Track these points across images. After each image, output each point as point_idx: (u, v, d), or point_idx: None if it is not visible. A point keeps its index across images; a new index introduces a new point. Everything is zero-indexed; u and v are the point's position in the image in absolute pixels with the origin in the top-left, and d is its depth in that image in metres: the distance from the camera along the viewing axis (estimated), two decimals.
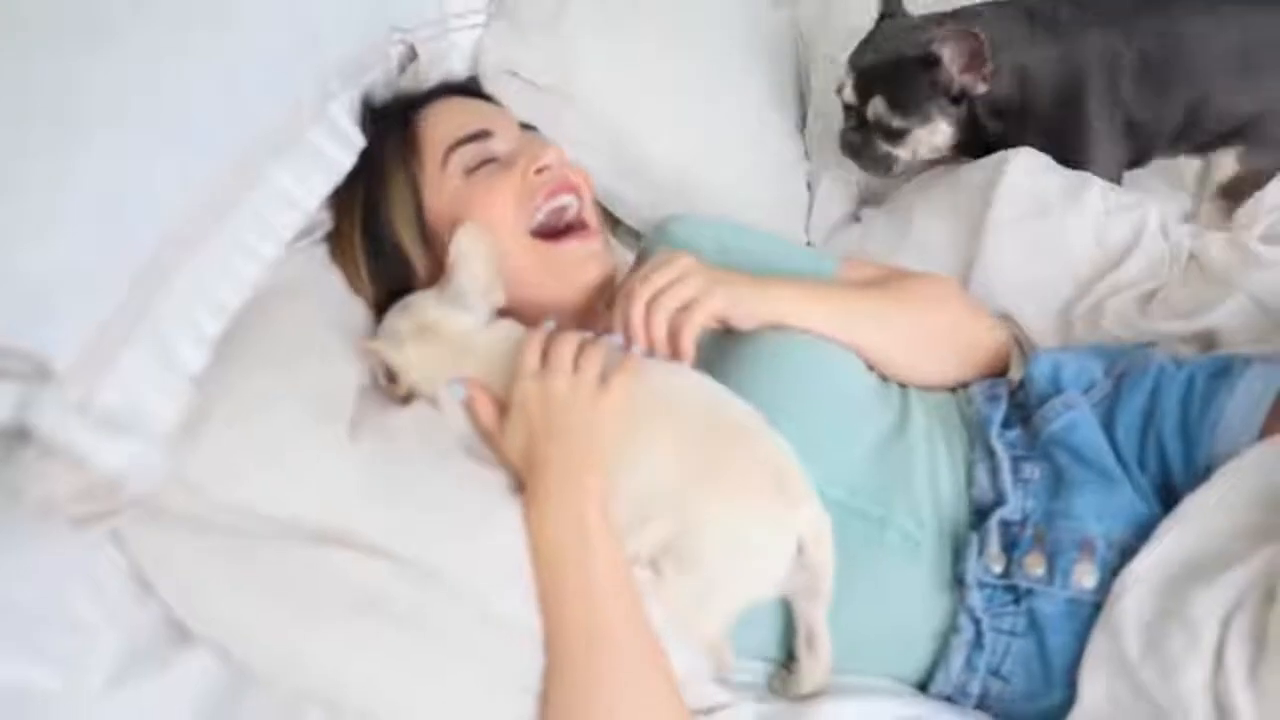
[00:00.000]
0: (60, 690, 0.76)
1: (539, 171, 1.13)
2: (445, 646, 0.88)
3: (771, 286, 1.08)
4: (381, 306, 1.08)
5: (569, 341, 0.96)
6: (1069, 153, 1.42)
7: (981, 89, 1.37)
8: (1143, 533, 0.97)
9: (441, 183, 1.14)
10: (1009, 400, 1.12)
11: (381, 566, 0.86)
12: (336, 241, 1.14)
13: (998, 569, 0.99)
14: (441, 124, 1.18)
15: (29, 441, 0.71)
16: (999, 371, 1.23)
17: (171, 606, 0.85)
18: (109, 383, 0.74)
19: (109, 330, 0.74)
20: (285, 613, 0.85)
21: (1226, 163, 1.45)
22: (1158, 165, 1.51)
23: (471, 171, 1.14)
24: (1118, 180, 1.46)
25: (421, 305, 1.03)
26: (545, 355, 0.96)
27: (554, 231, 1.15)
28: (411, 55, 1.32)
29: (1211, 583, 0.88)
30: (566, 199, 1.15)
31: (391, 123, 1.17)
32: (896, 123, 1.41)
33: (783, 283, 1.10)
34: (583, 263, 1.14)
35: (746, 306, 1.05)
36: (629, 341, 1.00)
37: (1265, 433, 0.99)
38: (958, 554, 1.01)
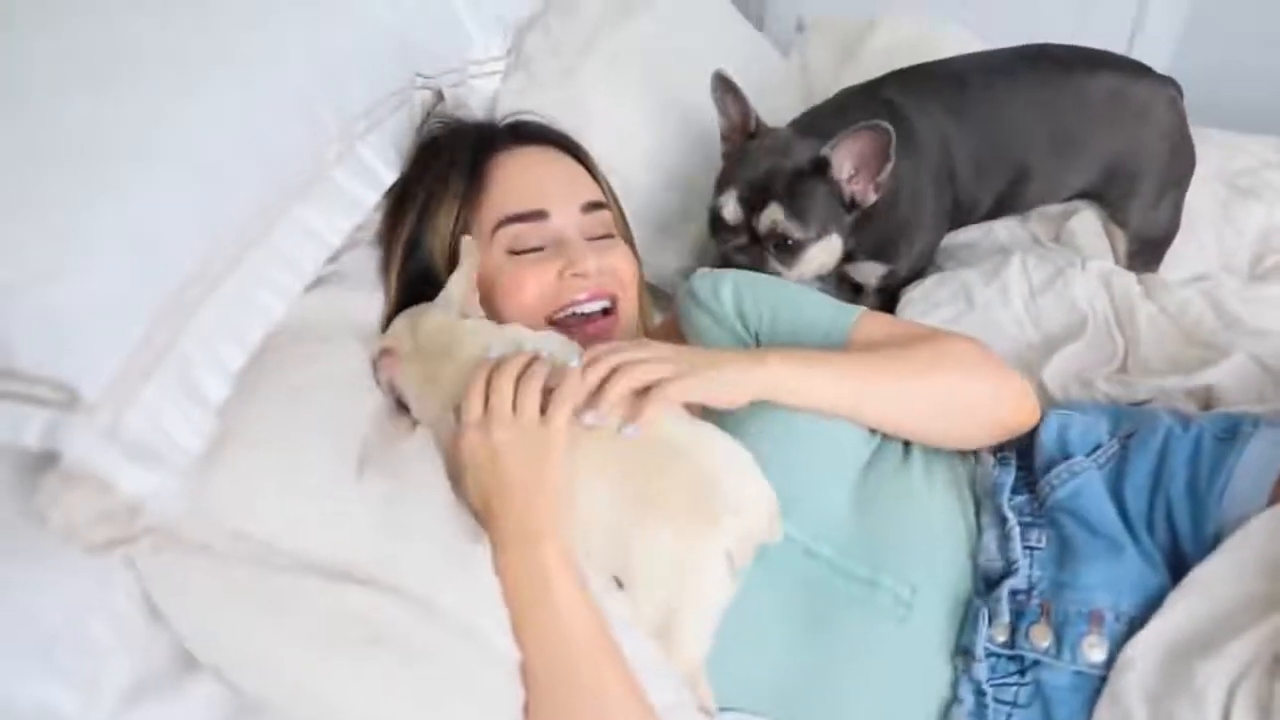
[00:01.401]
0: (77, 711, 0.76)
1: (575, 275, 1.14)
2: (444, 681, 0.87)
3: (757, 367, 1.00)
4: (397, 309, 1.11)
5: (507, 378, 0.93)
6: (895, 234, 1.43)
7: (872, 197, 1.33)
8: (1151, 603, 0.94)
9: (486, 246, 1.16)
10: (1019, 463, 1.09)
11: (386, 601, 0.86)
12: (385, 232, 1.18)
13: (1002, 638, 0.96)
14: (504, 187, 1.18)
15: (53, 467, 0.72)
16: (1026, 429, 1.12)
17: (179, 633, 0.84)
18: (135, 412, 0.74)
19: (135, 361, 0.75)
20: (294, 645, 0.84)
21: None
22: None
23: (515, 253, 1.16)
24: (931, 260, 1.53)
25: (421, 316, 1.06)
26: (486, 400, 0.93)
27: (571, 320, 1.15)
28: (438, 99, 1.33)
29: (1217, 653, 0.87)
30: (593, 306, 1.16)
31: (463, 154, 1.20)
32: (796, 234, 1.31)
33: (774, 359, 1.02)
34: (590, 339, 1.11)
35: (724, 392, 0.99)
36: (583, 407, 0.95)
37: (1274, 498, 0.97)
38: (959, 622, 0.99)
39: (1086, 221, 1.63)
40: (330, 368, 0.98)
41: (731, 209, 1.33)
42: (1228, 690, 0.85)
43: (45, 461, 0.73)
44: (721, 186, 1.36)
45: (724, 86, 1.36)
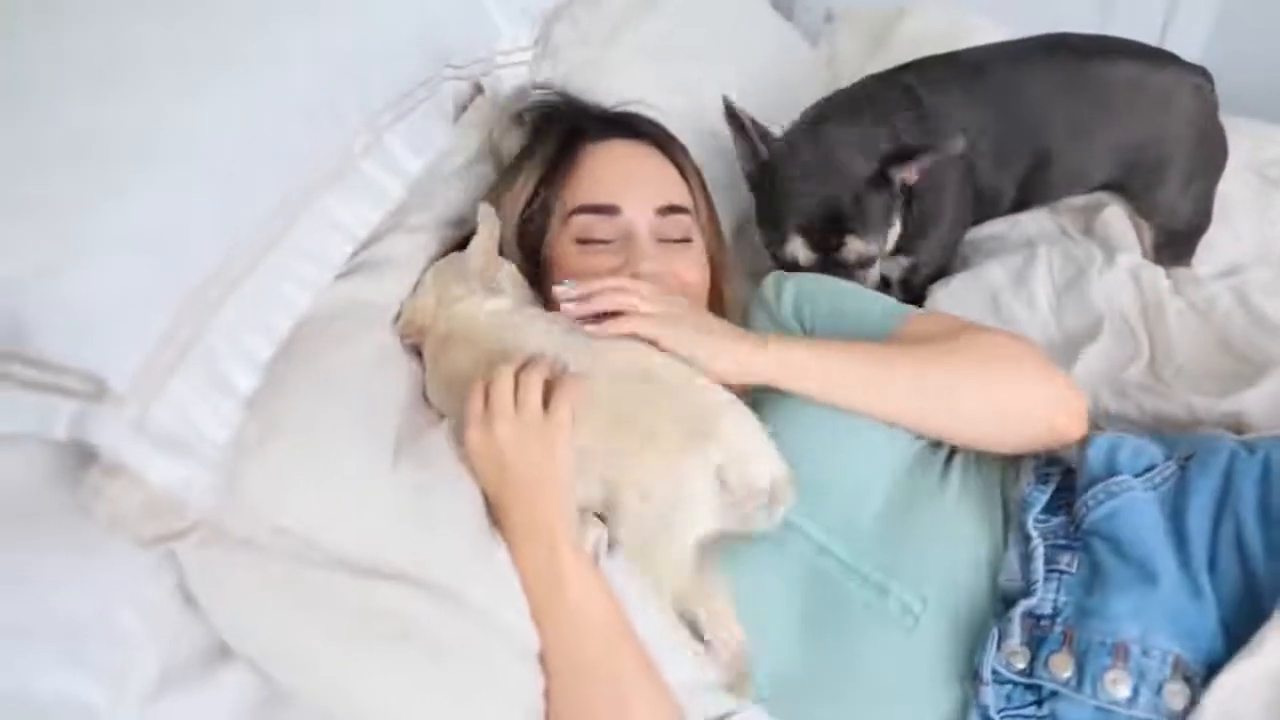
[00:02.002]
0: (107, 703, 0.75)
1: (634, 275, 1.11)
2: (472, 674, 0.88)
3: (758, 347, 0.99)
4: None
5: (505, 377, 0.93)
6: (916, 225, 1.39)
7: (915, 176, 1.31)
8: (1193, 642, 0.87)
9: (560, 228, 1.17)
10: (1060, 483, 1.02)
11: (415, 596, 0.87)
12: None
13: (1020, 665, 0.90)
14: (587, 176, 1.19)
15: (93, 461, 0.72)
16: (1073, 437, 1.05)
17: (216, 625, 0.84)
18: (162, 404, 0.74)
19: (160, 354, 0.74)
20: (326, 641, 0.85)
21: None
22: None
23: (582, 242, 1.16)
24: (955, 253, 1.50)
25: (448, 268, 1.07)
26: (487, 396, 0.93)
27: None
28: (476, 90, 1.32)
29: None
30: None
31: (557, 133, 1.22)
32: (875, 251, 1.30)
33: (776, 341, 1.01)
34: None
35: (715, 348, 0.98)
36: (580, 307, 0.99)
37: None
38: (973, 642, 0.94)
39: (1119, 213, 1.60)
40: (363, 356, 0.97)
41: (803, 253, 1.30)
42: None
43: (75, 455, 0.73)
44: (774, 224, 1.32)
45: (728, 115, 1.34)
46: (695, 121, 1.43)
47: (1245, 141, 1.82)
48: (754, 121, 1.33)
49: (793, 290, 1.14)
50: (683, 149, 1.29)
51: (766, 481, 0.94)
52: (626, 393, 0.95)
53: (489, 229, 1.09)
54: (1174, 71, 1.48)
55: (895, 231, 1.35)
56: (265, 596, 0.83)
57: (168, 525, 0.74)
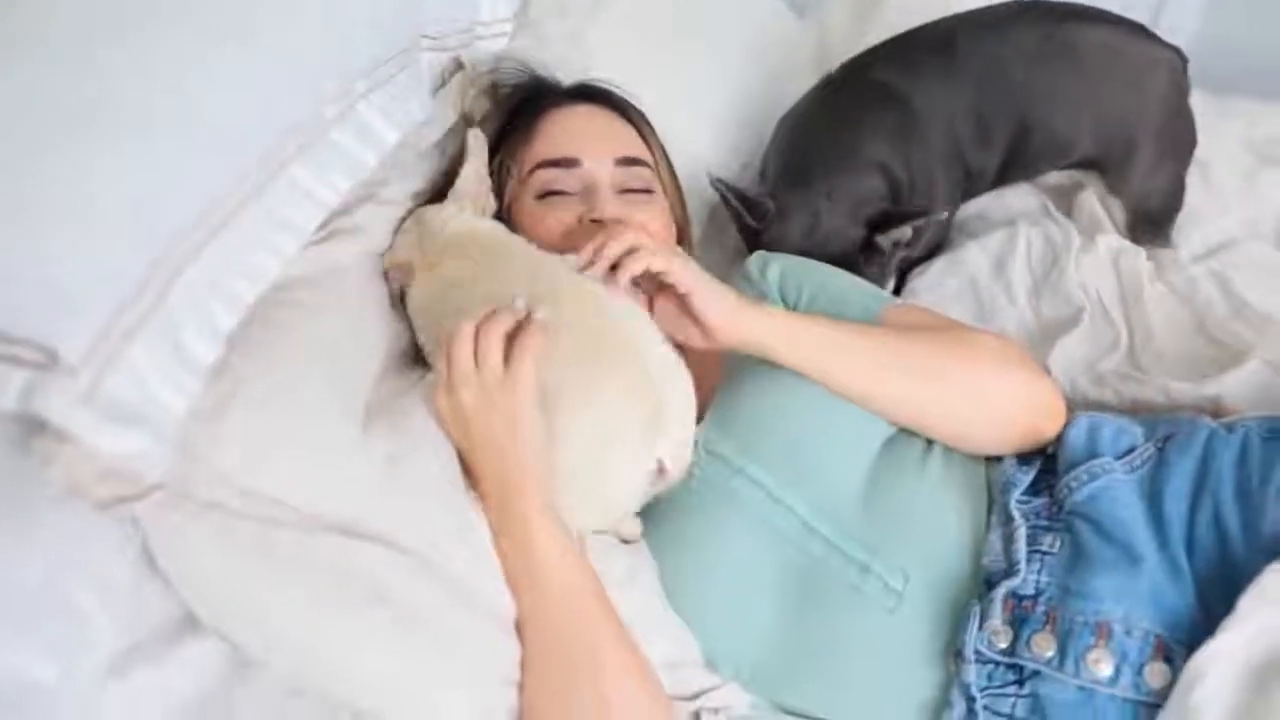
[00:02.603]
0: (57, 679, 0.73)
1: (594, 221, 1.12)
2: (445, 638, 0.86)
3: (757, 306, 1.02)
4: None
5: (465, 337, 0.90)
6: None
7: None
8: (1173, 622, 0.87)
9: (519, 188, 1.18)
10: (1041, 466, 1.02)
11: (389, 559, 0.85)
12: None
13: (1003, 644, 0.90)
14: (545, 135, 1.20)
15: (44, 430, 0.69)
16: (1049, 436, 1.05)
17: (182, 592, 0.82)
18: (118, 373, 0.71)
19: (118, 324, 0.72)
20: (297, 603, 0.83)
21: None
22: None
23: (542, 196, 1.16)
24: (946, 235, 1.49)
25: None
26: (450, 359, 0.90)
27: None
28: (456, 66, 1.30)
29: None
30: None
31: (518, 101, 1.25)
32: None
33: (776, 309, 1.04)
34: None
35: (718, 303, 0.98)
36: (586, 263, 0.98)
37: None
38: (956, 622, 0.93)
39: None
40: (334, 325, 0.95)
41: None
42: None
43: (25, 425, 0.70)
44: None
45: (714, 187, 1.33)
46: (672, 94, 1.41)
47: (1238, 120, 1.82)
48: (740, 194, 1.32)
49: (778, 268, 1.13)
50: (640, 114, 1.29)
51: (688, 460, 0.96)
52: (588, 348, 0.94)
53: (480, 155, 1.11)
54: (1150, 45, 1.45)
55: (891, 283, 1.37)
56: (233, 559, 0.81)
57: (125, 488, 0.72)
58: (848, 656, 0.95)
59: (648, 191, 1.20)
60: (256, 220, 0.87)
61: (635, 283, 0.98)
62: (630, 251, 0.97)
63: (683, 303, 0.99)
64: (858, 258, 1.28)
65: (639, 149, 1.24)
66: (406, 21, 1.16)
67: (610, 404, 0.93)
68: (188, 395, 0.76)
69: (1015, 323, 1.37)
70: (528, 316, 0.91)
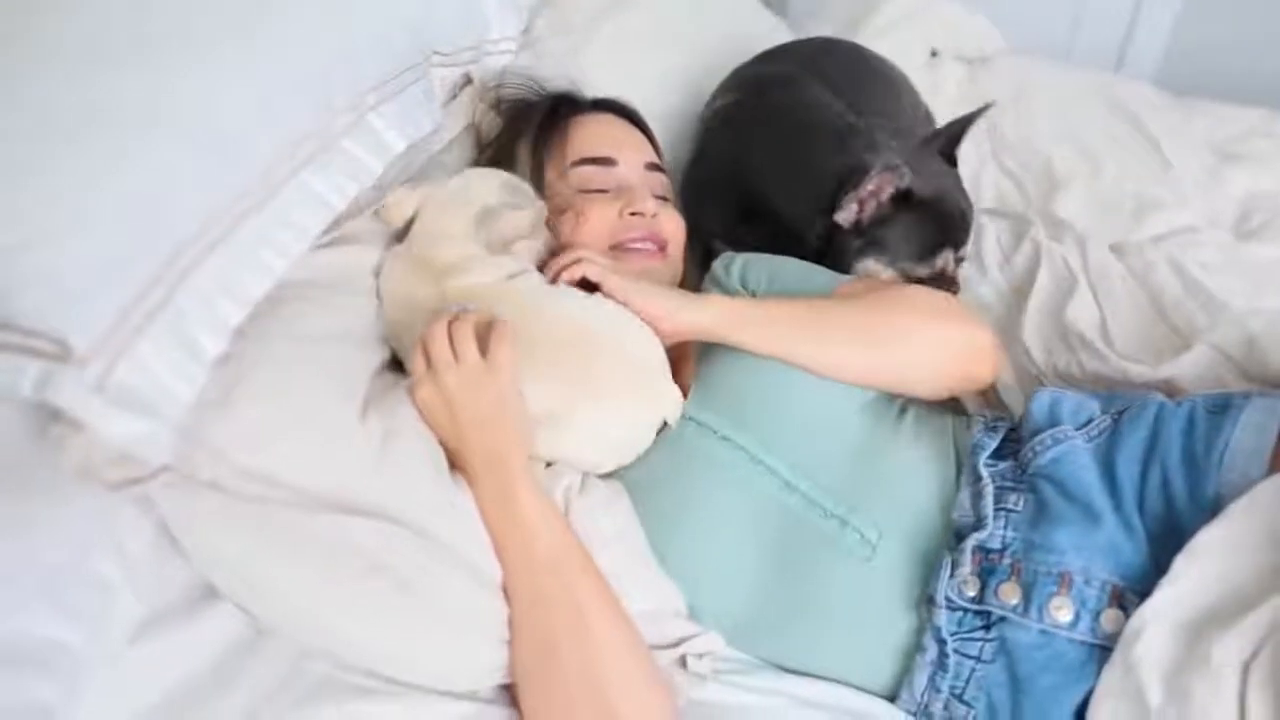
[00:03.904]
0: (83, 644, 0.73)
1: (633, 214, 1.15)
2: (438, 607, 0.85)
3: (702, 302, 1.03)
4: None
5: (440, 333, 0.91)
6: None
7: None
8: (1128, 573, 0.87)
9: (558, 184, 1.19)
10: (1006, 434, 1.03)
11: (384, 532, 0.84)
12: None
13: (972, 593, 0.90)
14: (581, 137, 1.22)
15: (59, 417, 0.70)
16: (984, 385, 1.10)
17: (196, 565, 0.83)
18: (128, 364, 0.71)
19: (129, 317, 0.72)
20: (300, 573, 0.83)
21: None
22: None
23: (583, 192, 1.18)
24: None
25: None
26: (427, 356, 0.91)
27: (625, 252, 1.16)
28: (466, 81, 1.31)
29: (1231, 627, 0.78)
30: (645, 245, 1.17)
31: (548, 114, 1.24)
32: None
33: (717, 299, 1.04)
34: (638, 273, 1.11)
35: (651, 301, 1.01)
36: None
37: (1273, 466, 0.88)
38: (926, 572, 0.94)
39: (1077, 195, 1.54)
40: (343, 322, 0.96)
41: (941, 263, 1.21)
42: (1243, 666, 0.76)
43: (52, 412, 0.70)
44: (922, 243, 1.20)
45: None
46: (665, 109, 1.42)
47: (1204, 119, 1.80)
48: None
49: (740, 264, 1.13)
50: (648, 127, 1.32)
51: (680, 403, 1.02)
52: (564, 345, 0.97)
53: (538, 214, 1.11)
54: None
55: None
56: (236, 535, 0.81)
57: (134, 470, 0.72)
58: (826, 606, 0.95)
59: (666, 199, 1.24)
60: (267, 222, 0.86)
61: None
62: (575, 262, 1.03)
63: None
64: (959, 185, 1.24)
65: (658, 158, 1.28)
66: (416, 39, 1.16)
67: (607, 395, 0.97)
68: (195, 385, 0.75)
69: (993, 294, 1.36)
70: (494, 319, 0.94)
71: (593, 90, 1.31)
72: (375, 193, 1.09)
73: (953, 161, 1.24)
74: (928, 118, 1.52)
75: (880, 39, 1.81)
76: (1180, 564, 0.83)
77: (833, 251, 1.18)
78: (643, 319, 1.00)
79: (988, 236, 1.43)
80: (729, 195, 1.30)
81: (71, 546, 0.74)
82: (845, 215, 1.16)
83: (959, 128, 1.24)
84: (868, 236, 1.16)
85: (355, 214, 1.03)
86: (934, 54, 2.00)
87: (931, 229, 1.17)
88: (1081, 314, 1.24)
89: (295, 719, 0.81)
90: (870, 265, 1.17)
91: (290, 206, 0.89)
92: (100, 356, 0.69)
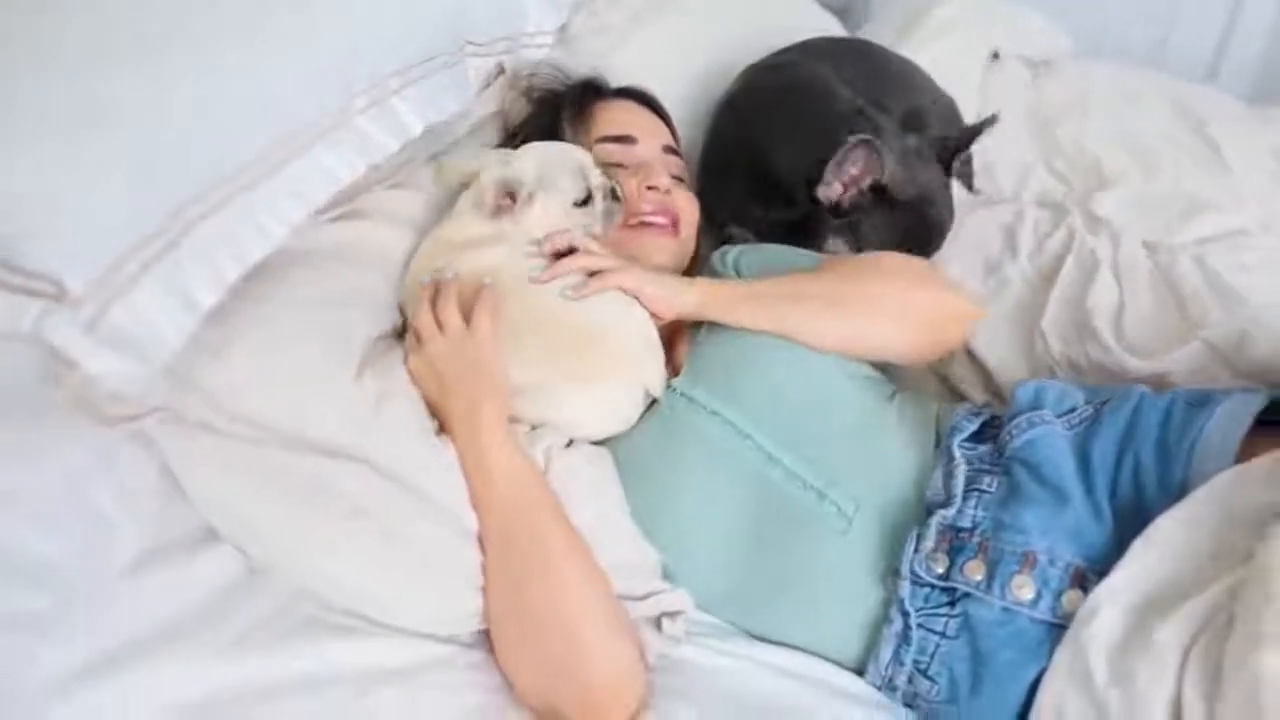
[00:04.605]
0: (74, 568, 0.79)
1: (650, 188, 1.20)
2: (417, 552, 0.90)
3: (688, 284, 1.07)
4: None
5: (424, 311, 0.98)
6: None
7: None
8: (1091, 555, 0.88)
9: None
10: (989, 420, 1.04)
11: (369, 478, 0.89)
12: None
13: (939, 569, 0.92)
14: (606, 118, 1.28)
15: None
16: (955, 341, 1.14)
17: (194, 504, 0.88)
18: (122, 308, 0.77)
19: (126, 265, 0.77)
20: (286, 513, 0.88)
21: None
22: None
23: (604, 166, 1.21)
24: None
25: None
26: (414, 328, 0.98)
27: (639, 225, 1.20)
28: (500, 71, 1.34)
29: (1175, 611, 0.78)
30: (659, 219, 1.21)
31: (576, 96, 1.29)
32: None
33: (703, 282, 1.08)
34: (651, 252, 1.19)
35: (660, 291, 1.05)
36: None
37: (1242, 457, 0.88)
38: (899, 547, 0.95)
39: (1114, 197, 1.50)
40: (346, 289, 1.01)
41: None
42: (1185, 648, 0.76)
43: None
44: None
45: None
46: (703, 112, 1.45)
47: (1273, 128, 1.72)
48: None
49: (735, 254, 1.17)
50: (667, 114, 1.35)
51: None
52: (550, 323, 1.01)
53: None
54: None
55: None
56: (228, 474, 0.87)
57: (128, 409, 0.77)
58: (802, 577, 0.96)
59: (682, 180, 1.29)
60: (275, 190, 0.91)
61: None
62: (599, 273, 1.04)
63: None
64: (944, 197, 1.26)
65: (675, 144, 1.33)
66: (448, 29, 1.20)
67: (592, 375, 1.03)
68: (184, 332, 0.80)
69: (1018, 278, 1.34)
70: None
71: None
72: (402, 173, 1.14)
73: (949, 170, 1.23)
74: (950, 109, 1.51)
75: (936, 40, 1.79)
76: (1136, 548, 0.83)
77: (808, 225, 1.19)
78: (641, 303, 1.05)
79: (1026, 222, 1.42)
80: (739, 174, 1.33)
81: (71, 477, 0.80)
82: (826, 192, 1.18)
83: (964, 138, 1.24)
84: (843, 219, 1.16)
85: (366, 189, 1.08)
86: (995, 56, 1.97)
87: (902, 232, 1.20)
88: (1101, 300, 1.23)
89: (275, 652, 0.85)
90: (837, 246, 1.18)
91: (299, 178, 0.93)
92: (94, 299, 0.75)
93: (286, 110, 0.94)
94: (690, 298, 1.06)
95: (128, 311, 0.77)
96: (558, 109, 1.29)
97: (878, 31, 1.82)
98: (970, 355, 1.27)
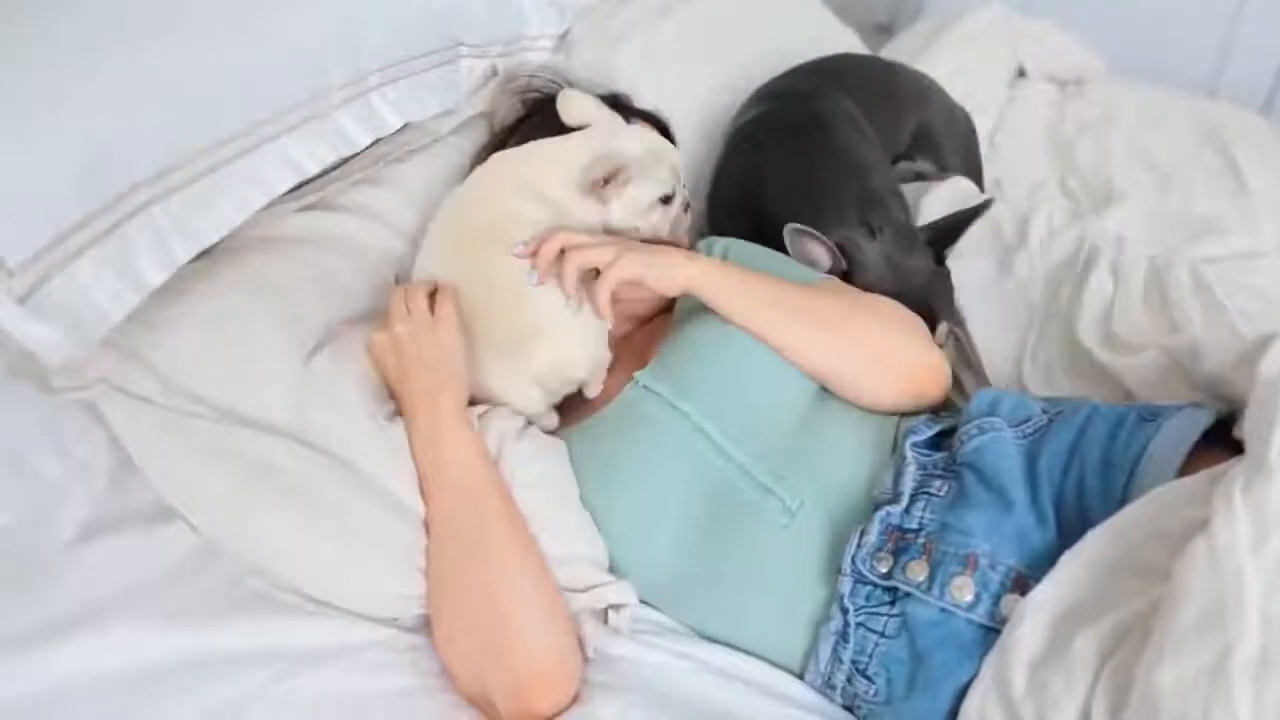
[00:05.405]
0: (25, 537, 0.82)
1: None
2: (359, 532, 0.91)
3: (690, 261, 1.03)
4: None
5: (396, 296, 0.98)
6: None
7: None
8: (1033, 561, 0.85)
9: None
10: (946, 427, 1.02)
11: (309, 457, 0.90)
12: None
13: (883, 569, 0.90)
14: None
15: None
16: (929, 397, 1.07)
17: (143, 473, 0.91)
18: (61, 281, 0.79)
19: (68, 241, 0.79)
20: (224, 485, 0.90)
21: None
22: None
23: None
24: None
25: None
26: (386, 312, 0.99)
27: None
28: (493, 73, 1.34)
29: (1094, 624, 0.76)
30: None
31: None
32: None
33: (704, 260, 1.04)
34: None
35: (660, 273, 1.00)
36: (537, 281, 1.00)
37: (1186, 474, 0.84)
38: (841, 546, 0.93)
39: (1129, 209, 1.46)
40: (304, 275, 1.02)
41: None
42: (1097, 666, 0.74)
43: None
44: None
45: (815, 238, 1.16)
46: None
47: None
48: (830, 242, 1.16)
49: (723, 246, 1.14)
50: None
51: (582, 374, 1.04)
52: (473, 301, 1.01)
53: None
54: None
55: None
56: (170, 446, 0.89)
57: (71, 379, 0.80)
58: (745, 571, 0.95)
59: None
60: (237, 176, 0.93)
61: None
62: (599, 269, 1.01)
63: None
64: (935, 286, 1.20)
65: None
66: (438, 29, 1.20)
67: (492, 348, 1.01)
68: (126, 307, 0.83)
69: (1025, 265, 1.31)
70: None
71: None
72: (372, 168, 1.16)
73: (941, 259, 1.19)
74: (966, 126, 1.49)
75: (959, 50, 1.78)
76: (1066, 558, 0.81)
77: None
78: (622, 280, 1.00)
79: (1039, 215, 1.38)
80: (746, 217, 1.26)
81: (13, 447, 0.82)
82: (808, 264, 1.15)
83: (958, 224, 1.19)
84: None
85: (347, 186, 1.11)
86: (1022, 73, 1.93)
87: None
88: (1101, 286, 1.20)
89: (215, 625, 0.87)
90: None
91: (262, 165, 0.96)
92: (30, 271, 0.77)
93: (256, 97, 0.96)
94: (690, 271, 1.01)
95: (68, 285, 0.79)
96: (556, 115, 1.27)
97: (903, 41, 1.80)
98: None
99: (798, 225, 1.12)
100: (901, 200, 1.28)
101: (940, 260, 1.19)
